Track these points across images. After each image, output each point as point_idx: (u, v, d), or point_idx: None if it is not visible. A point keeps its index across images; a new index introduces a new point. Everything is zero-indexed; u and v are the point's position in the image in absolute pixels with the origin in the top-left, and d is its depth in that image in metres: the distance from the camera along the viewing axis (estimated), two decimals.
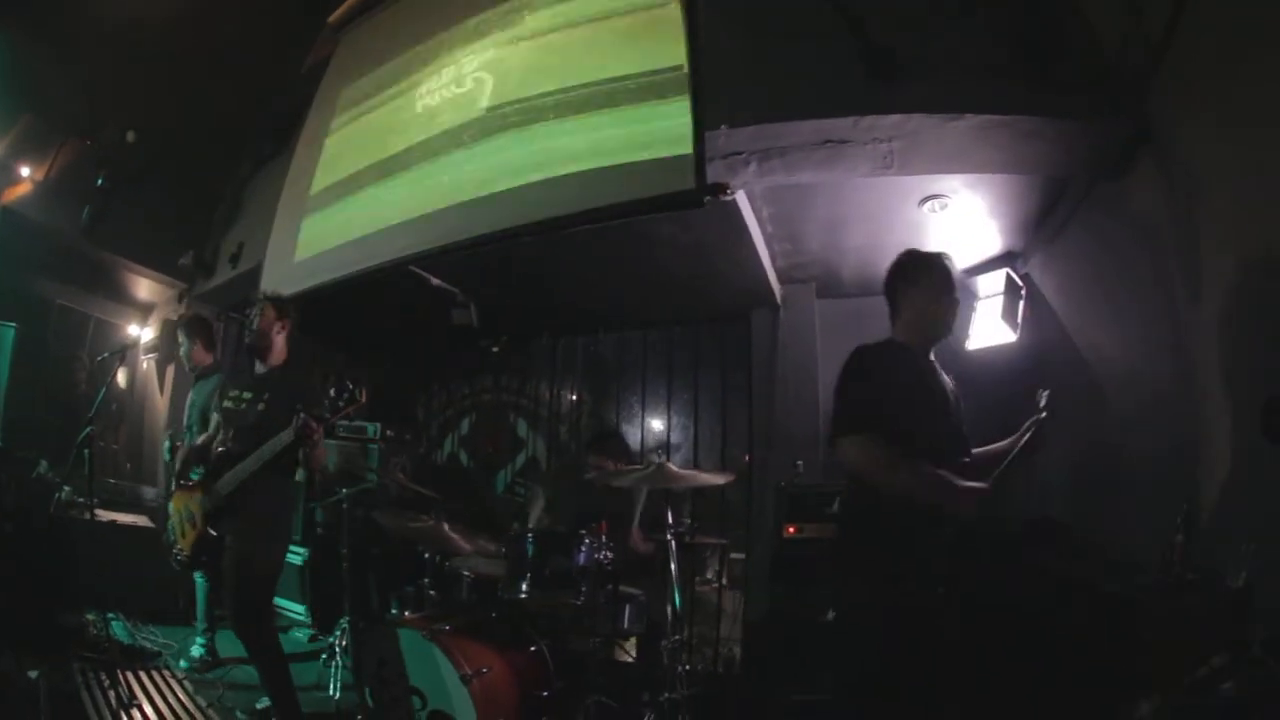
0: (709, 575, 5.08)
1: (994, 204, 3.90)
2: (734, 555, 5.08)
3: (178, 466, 3.89)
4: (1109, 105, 3.18)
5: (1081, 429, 3.70)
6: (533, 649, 3.47)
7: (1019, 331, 4.15)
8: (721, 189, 3.52)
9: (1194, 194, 2.89)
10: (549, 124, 4.05)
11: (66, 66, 5.91)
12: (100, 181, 6.03)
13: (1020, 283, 4.21)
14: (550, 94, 4.11)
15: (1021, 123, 3.25)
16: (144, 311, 7.90)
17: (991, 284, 4.28)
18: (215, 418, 3.73)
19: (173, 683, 4.07)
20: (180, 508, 3.56)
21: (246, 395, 3.58)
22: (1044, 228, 4.05)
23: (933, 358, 2.70)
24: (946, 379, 2.71)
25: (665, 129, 3.56)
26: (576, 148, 3.89)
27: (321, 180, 5.36)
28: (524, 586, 3.49)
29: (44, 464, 5.54)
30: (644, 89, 3.73)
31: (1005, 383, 3.81)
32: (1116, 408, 3.51)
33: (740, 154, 3.64)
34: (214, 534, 3.39)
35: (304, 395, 3.35)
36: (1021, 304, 4.19)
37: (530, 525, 4.47)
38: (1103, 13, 3.25)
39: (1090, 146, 3.34)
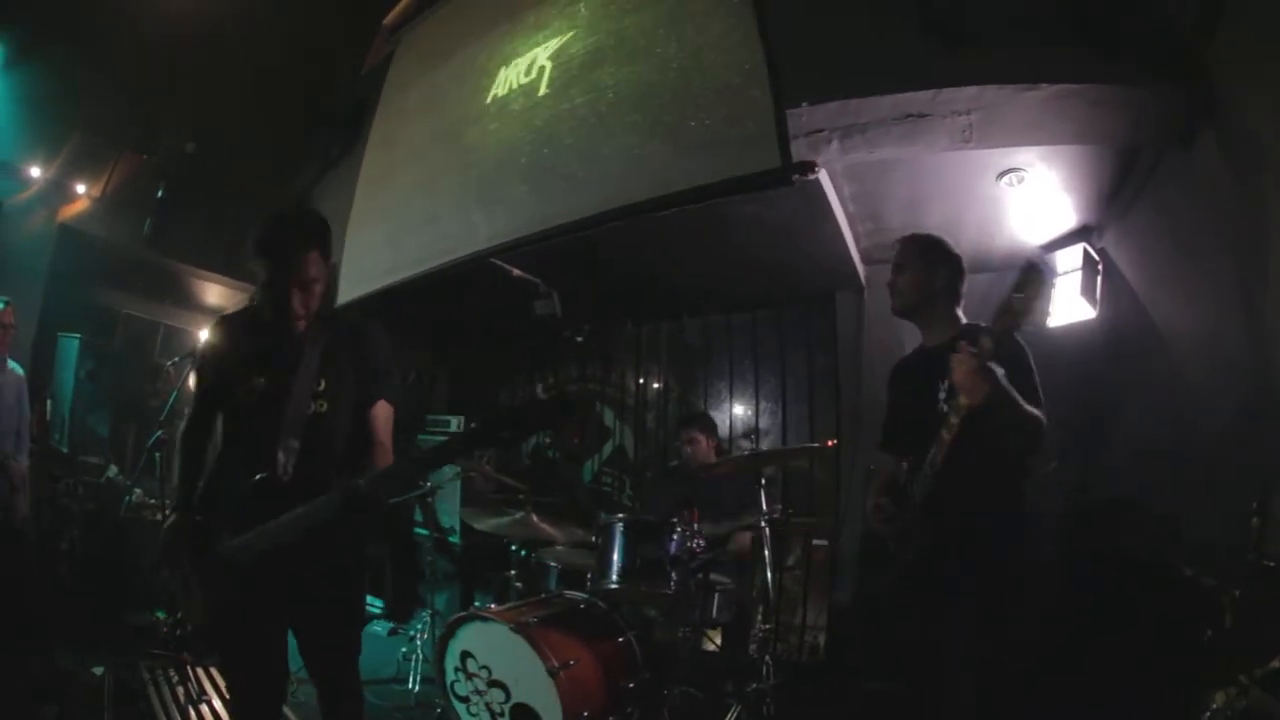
0: (791, 562, 5.21)
1: (1068, 177, 4.02)
2: (816, 541, 5.20)
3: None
4: (1170, 72, 3.31)
5: (1158, 408, 3.82)
6: (620, 639, 3.52)
7: (1098, 308, 4.21)
8: (809, 167, 3.64)
9: (1259, 164, 2.99)
10: (620, 108, 4.24)
11: (116, 84, 6.39)
12: (161, 193, 6.56)
13: (1097, 258, 4.26)
14: (617, 77, 4.32)
15: (1091, 91, 3.43)
16: (214, 316, 8.40)
17: (1069, 259, 4.32)
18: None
19: None
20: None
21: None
22: (1117, 201, 4.15)
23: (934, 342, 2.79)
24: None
25: (742, 108, 3.71)
26: (651, 130, 4.06)
27: (397, 177, 5.69)
28: (614, 576, 3.61)
29: (113, 469, 5.98)
30: (716, 67, 3.89)
31: (1085, 361, 4.00)
32: (1192, 386, 3.60)
33: (822, 131, 3.87)
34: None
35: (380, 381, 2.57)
36: (1099, 280, 4.25)
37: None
38: None
39: (1154, 115, 3.48)
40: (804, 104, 3.78)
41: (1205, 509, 3.21)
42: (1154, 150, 3.73)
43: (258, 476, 2.31)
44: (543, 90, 4.72)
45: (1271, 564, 2.56)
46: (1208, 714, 2.23)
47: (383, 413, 2.56)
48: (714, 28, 3.95)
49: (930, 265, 2.80)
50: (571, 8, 4.84)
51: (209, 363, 2.69)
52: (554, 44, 4.80)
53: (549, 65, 4.75)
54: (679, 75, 4.05)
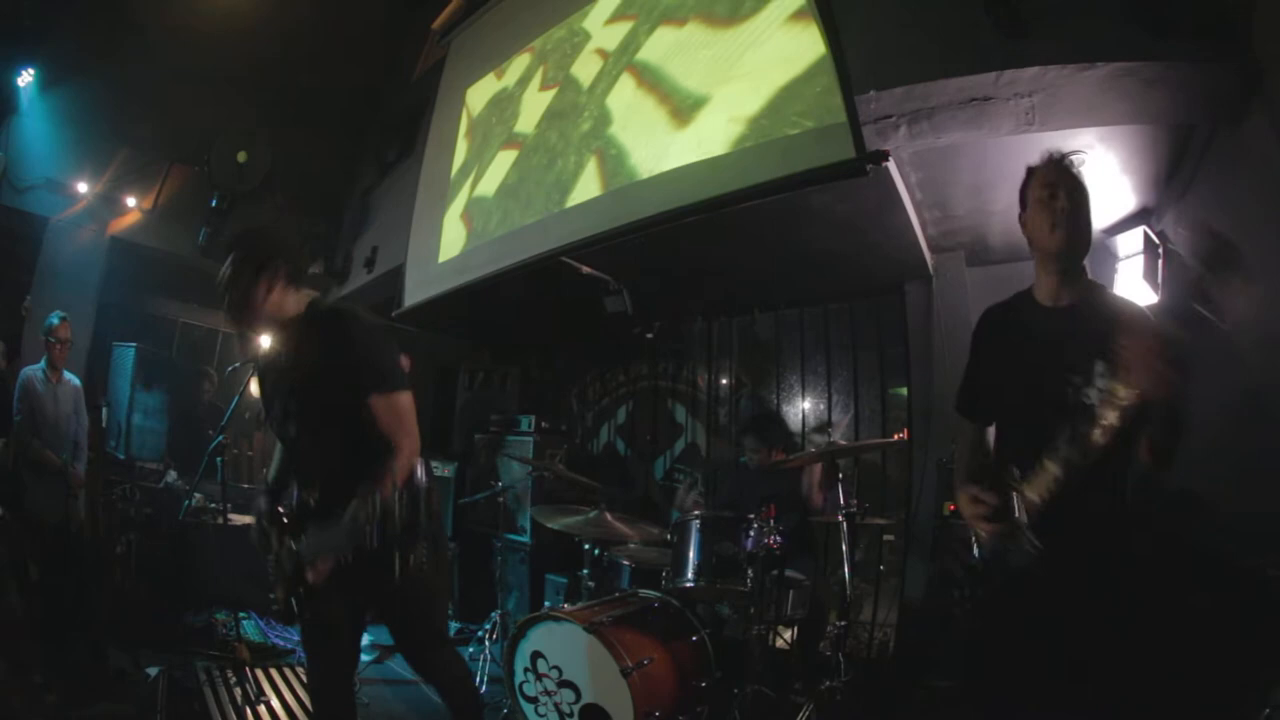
0: (860, 558, 5.29)
1: (1126, 159, 4.13)
2: (886, 537, 5.37)
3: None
4: (1217, 48, 3.42)
5: (1222, 394, 3.75)
6: (694, 638, 3.66)
7: (1161, 292, 4.24)
8: (882, 156, 3.77)
9: None
10: (691, 103, 4.42)
11: (163, 99, 6.83)
12: (215, 203, 6.95)
13: (1157, 241, 4.33)
14: (687, 73, 4.51)
15: (1144, 69, 3.54)
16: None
17: (1130, 243, 4.46)
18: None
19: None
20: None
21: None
22: (1174, 183, 4.26)
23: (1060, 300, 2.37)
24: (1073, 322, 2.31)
25: (813, 98, 3.88)
26: (723, 124, 4.24)
27: (461, 178, 5.93)
28: (690, 574, 3.74)
29: (172, 474, 6.34)
30: (783, 58, 4.07)
31: None
32: (1255, 370, 3.62)
33: (890, 117, 4.00)
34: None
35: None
36: (1160, 263, 4.29)
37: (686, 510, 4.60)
38: None
39: (1204, 92, 3.56)
40: (872, 90, 3.95)
41: (1262, 499, 3.28)
42: (1207, 129, 3.87)
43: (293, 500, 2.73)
44: (612, 88, 4.95)
45: None
46: (1267, 711, 2.29)
47: (382, 406, 2.53)
48: (774, 15, 4.15)
49: (1087, 205, 2.36)
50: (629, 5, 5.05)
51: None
52: (621, 39, 5.03)
53: (615, 63, 4.99)
54: (746, 68, 4.24)
